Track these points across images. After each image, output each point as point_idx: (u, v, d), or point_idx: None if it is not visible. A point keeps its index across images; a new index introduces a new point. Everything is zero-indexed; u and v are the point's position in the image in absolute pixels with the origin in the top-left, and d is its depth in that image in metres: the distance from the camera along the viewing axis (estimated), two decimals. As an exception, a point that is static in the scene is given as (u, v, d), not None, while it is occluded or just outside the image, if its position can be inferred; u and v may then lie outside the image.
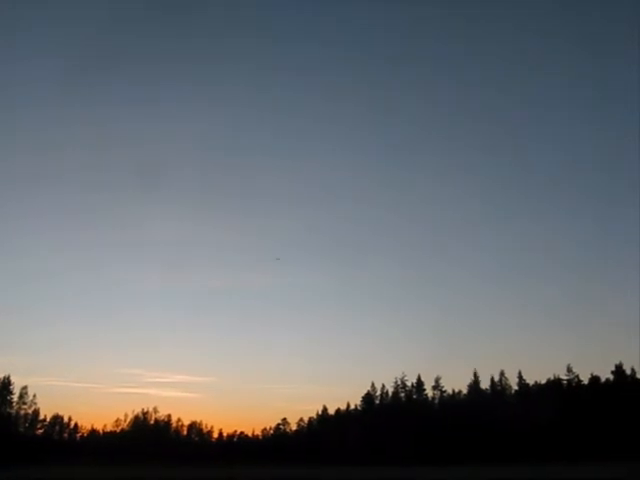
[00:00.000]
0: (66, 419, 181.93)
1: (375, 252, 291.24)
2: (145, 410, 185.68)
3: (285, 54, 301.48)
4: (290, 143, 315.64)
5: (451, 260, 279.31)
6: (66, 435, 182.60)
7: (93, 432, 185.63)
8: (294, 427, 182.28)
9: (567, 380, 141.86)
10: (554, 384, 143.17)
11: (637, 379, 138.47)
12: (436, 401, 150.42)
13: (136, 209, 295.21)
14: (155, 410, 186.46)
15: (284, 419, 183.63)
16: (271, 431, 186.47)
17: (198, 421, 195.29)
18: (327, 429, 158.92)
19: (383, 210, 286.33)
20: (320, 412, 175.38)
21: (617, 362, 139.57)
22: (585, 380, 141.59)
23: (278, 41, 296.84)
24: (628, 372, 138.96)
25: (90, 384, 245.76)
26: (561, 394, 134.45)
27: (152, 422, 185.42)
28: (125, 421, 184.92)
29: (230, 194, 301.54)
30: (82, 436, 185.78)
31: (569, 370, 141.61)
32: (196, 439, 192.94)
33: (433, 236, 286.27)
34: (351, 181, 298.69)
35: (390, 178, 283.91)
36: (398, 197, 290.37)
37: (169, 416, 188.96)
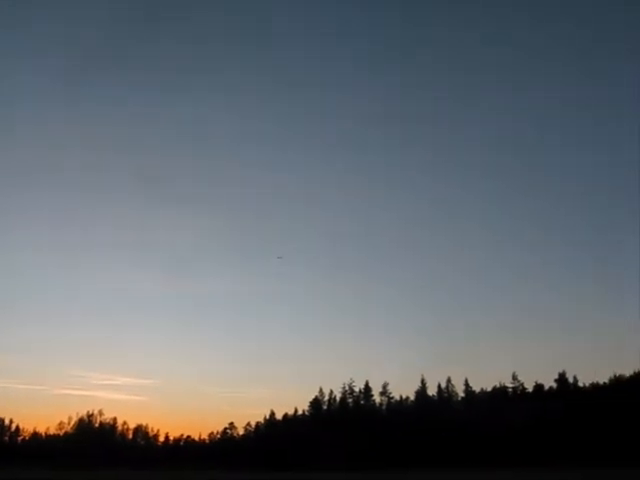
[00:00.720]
0: (7, 421, 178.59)
1: (322, 256, 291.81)
2: (90, 413, 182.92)
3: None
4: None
5: (397, 263, 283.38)
6: (7, 438, 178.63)
7: (35, 435, 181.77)
8: (241, 431, 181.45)
9: (512, 387, 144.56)
10: (500, 391, 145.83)
11: (579, 387, 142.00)
12: (384, 407, 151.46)
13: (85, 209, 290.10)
14: (100, 413, 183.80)
15: (231, 423, 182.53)
16: (218, 435, 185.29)
17: (144, 424, 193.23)
18: (275, 434, 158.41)
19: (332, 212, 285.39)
20: (268, 417, 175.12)
21: (560, 370, 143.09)
22: (530, 388, 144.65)
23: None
24: (571, 380, 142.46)
25: (33, 386, 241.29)
26: (506, 401, 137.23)
27: (97, 425, 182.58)
28: (69, 424, 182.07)
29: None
30: (24, 439, 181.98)
31: (514, 378, 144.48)
32: (142, 443, 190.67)
33: (371, 237, 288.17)
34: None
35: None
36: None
37: (114, 419, 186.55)
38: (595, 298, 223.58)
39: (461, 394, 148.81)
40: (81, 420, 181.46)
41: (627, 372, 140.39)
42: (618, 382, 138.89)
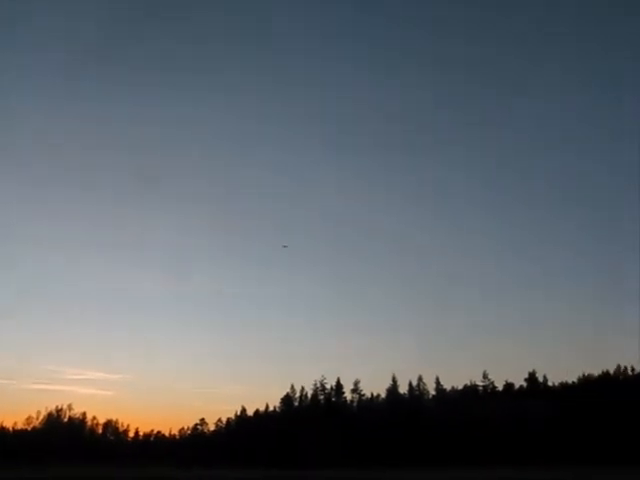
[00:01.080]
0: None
1: (299, 254, 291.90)
2: (59, 408, 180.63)
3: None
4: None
5: (371, 263, 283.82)
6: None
7: (2, 430, 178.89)
8: (212, 427, 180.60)
9: (482, 386, 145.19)
10: (470, 390, 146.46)
11: (549, 386, 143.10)
12: (355, 404, 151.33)
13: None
14: (70, 408, 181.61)
15: (202, 419, 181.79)
16: (188, 431, 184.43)
17: (114, 420, 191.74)
18: (246, 430, 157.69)
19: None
20: (239, 413, 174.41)
21: (530, 370, 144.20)
22: (500, 386, 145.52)
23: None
24: (541, 379, 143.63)
25: (1, 380, 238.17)
26: (477, 399, 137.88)
27: (66, 420, 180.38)
28: (37, 419, 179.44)
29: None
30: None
31: (485, 376, 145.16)
32: (111, 438, 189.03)
33: (348, 236, 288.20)
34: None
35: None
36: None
37: (84, 414, 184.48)
38: (566, 299, 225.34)
39: (432, 392, 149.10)
40: (50, 415, 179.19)
41: (596, 372, 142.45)
42: (587, 381, 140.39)
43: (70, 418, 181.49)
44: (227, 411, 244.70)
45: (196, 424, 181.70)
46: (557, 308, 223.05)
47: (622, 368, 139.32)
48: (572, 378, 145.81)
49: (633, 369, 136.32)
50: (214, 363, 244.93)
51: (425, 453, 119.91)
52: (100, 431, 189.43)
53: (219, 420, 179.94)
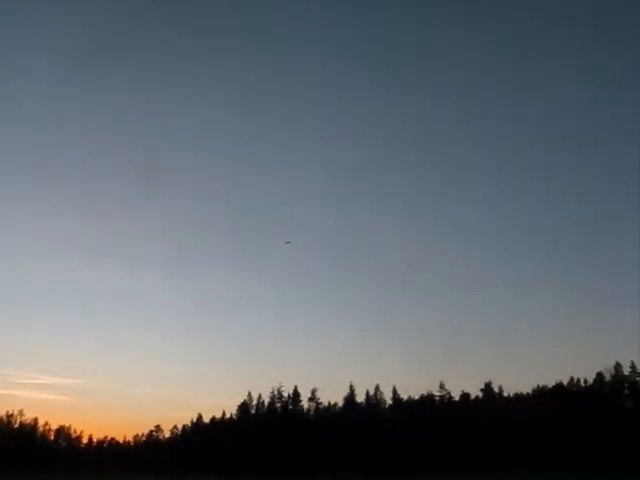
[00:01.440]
0: None
1: (254, 258, 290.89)
2: (10, 413, 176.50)
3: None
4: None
5: (324, 270, 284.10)
6: None
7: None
8: (167, 434, 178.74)
9: (439, 396, 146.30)
10: (427, 399, 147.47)
11: (505, 397, 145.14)
12: (312, 412, 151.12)
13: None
14: (21, 413, 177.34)
15: (157, 426, 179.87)
16: (143, 438, 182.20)
17: (67, 426, 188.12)
18: (202, 437, 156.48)
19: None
20: (195, 420, 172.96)
21: (487, 380, 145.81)
22: (456, 397, 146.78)
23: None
24: (496, 390, 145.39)
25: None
26: (434, 409, 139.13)
27: (17, 426, 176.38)
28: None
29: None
30: None
31: (441, 387, 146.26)
32: (63, 444, 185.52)
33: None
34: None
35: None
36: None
37: (36, 420, 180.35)
38: (522, 310, 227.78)
39: (389, 401, 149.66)
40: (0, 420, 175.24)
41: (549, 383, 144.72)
42: (541, 393, 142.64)
43: (21, 424, 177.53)
44: (182, 418, 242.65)
45: (151, 431, 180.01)
46: (515, 320, 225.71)
47: (575, 380, 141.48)
48: (527, 389, 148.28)
49: (586, 381, 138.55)
50: (170, 369, 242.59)
51: (380, 460, 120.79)
52: (52, 437, 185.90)
53: (175, 427, 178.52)
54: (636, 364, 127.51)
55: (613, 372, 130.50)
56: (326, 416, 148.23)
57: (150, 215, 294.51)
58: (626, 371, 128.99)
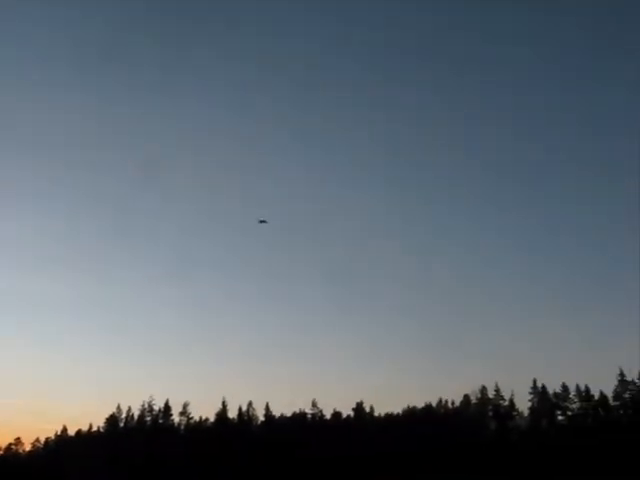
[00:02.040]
0: None
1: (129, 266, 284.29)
2: None
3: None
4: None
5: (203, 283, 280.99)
6: None
7: None
8: (28, 447, 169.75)
9: (312, 414, 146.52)
10: (299, 417, 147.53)
11: (375, 416, 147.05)
12: (182, 427, 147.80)
13: None
14: None
15: (17, 438, 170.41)
16: (1, 451, 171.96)
17: None
18: (67, 451, 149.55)
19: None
20: (60, 432, 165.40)
21: (358, 400, 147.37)
22: (328, 415, 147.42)
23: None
24: (367, 409, 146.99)
25: None
26: (305, 426, 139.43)
27: None
28: None
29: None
30: None
31: (314, 405, 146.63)
32: None
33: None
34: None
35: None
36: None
37: None
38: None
39: (261, 418, 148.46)
40: None
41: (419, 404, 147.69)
42: (411, 413, 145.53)
43: None
44: (45, 430, 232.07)
45: (10, 444, 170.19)
46: (389, 341, 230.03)
47: (444, 402, 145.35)
48: (397, 409, 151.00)
49: (453, 403, 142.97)
50: (39, 378, 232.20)
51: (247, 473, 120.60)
52: None
53: (37, 440, 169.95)
54: (499, 387, 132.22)
55: (479, 395, 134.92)
56: (197, 430, 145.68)
57: None
58: (491, 394, 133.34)
